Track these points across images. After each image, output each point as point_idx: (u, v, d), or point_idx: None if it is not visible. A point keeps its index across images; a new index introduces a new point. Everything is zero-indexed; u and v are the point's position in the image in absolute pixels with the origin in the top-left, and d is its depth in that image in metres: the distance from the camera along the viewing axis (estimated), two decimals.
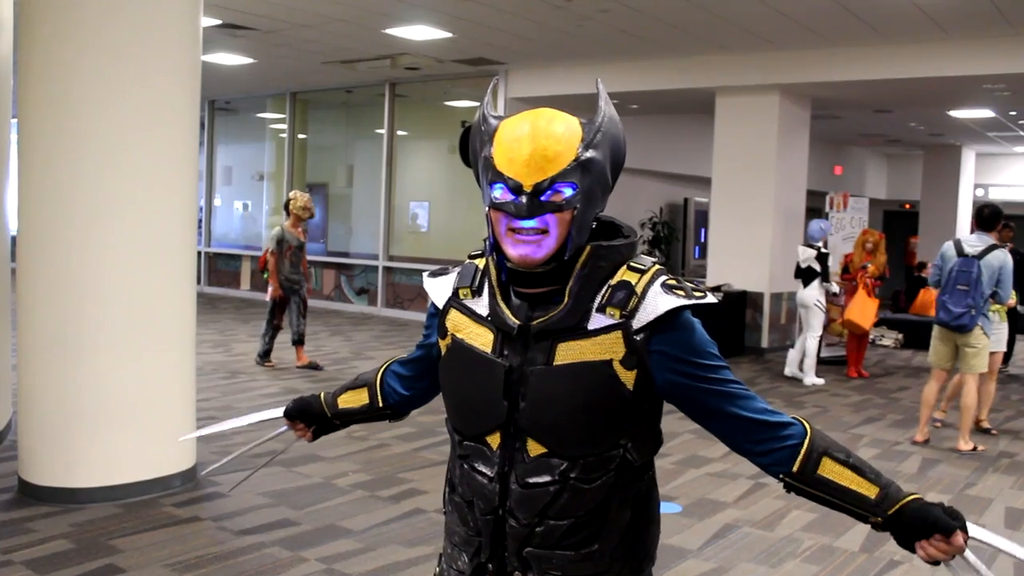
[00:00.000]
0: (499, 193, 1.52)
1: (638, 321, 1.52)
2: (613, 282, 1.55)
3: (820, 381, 9.33)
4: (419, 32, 10.01)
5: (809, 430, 1.56)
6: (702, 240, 15.46)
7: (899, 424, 7.54)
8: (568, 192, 1.50)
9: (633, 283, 1.54)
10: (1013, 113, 13.14)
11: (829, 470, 1.54)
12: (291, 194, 8.87)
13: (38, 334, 4.69)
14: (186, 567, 3.91)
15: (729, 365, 1.59)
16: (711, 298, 1.55)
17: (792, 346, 9.87)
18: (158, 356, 4.83)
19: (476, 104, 13.39)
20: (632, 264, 1.57)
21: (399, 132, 14.04)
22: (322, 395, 2.03)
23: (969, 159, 18.31)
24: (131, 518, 4.47)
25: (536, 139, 1.50)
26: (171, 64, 4.83)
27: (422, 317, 13.20)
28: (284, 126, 15.53)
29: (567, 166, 1.50)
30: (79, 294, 4.62)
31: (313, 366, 8.90)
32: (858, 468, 1.54)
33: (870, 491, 1.53)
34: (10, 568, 3.80)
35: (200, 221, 16.31)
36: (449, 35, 10.12)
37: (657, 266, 1.59)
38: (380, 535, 4.43)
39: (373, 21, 9.61)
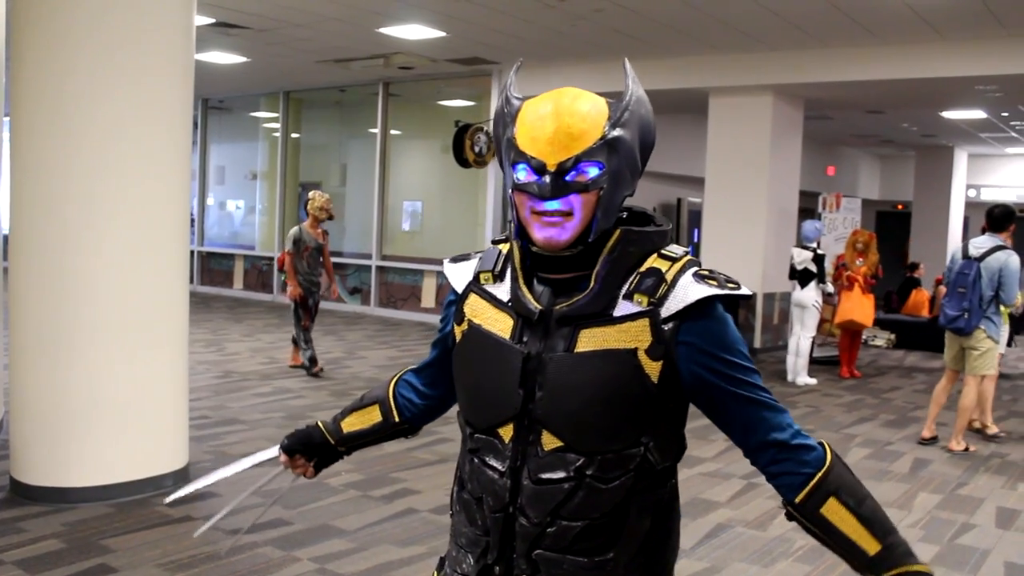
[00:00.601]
0: (523, 175, 1.45)
1: (667, 309, 1.44)
2: (642, 269, 1.47)
3: (812, 381, 9.35)
4: (413, 31, 10.01)
5: (828, 463, 1.47)
6: (695, 240, 15.47)
7: (891, 424, 7.56)
8: (593, 172, 1.43)
9: (663, 271, 1.47)
10: (1005, 114, 13.18)
11: (832, 512, 1.46)
12: (310, 194, 8.67)
13: (30, 333, 4.67)
14: (178, 567, 3.90)
15: (760, 371, 1.50)
16: (746, 290, 1.48)
17: (786, 346, 9.88)
18: (150, 355, 4.82)
19: (470, 104, 13.47)
20: (663, 252, 1.50)
21: (392, 131, 14.03)
22: (320, 423, 1.91)
23: (961, 160, 18.36)
24: (123, 518, 4.46)
25: (560, 117, 1.43)
26: (164, 62, 4.82)
27: (415, 317, 13.28)
28: (277, 125, 15.50)
29: (592, 144, 1.43)
30: (71, 293, 4.61)
31: (305, 367, 8.86)
32: (865, 519, 1.46)
33: (870, 546, 1.45)
34: (1, 568, 3.79)
35: (193, 220, 16.32)
36: (443, 34, 10.12)
37: (689, 256, 1.51)
38: (372, 535, 4.42)
39: (367, 20, 9.60)
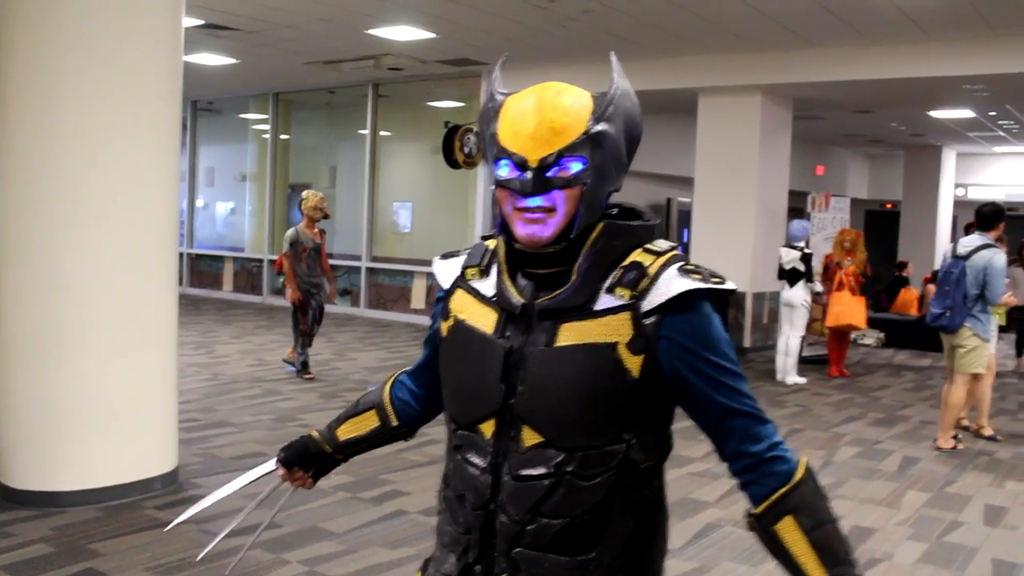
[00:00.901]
0: (505, 171, 1.43)
1: (648, 303, 1.41)
2: (625, 263, 1.45)
3: (802, 380, 9.38)
4: (402, 32, 10.00)
5: (795, 481, 1.44)
6: (685, 240, 15.50)
7: (880, 423, 7.59)
8: (576, 167, 1.40)
9: (646, 264, 1.44)
10: (993, 113, 13.25)
11: (785, 531, 1.43)
12: (303, 194, 8.54)
13: (18, 335, 4.65)
14: (167, 570, 3.89)
15: (746, 376, 1.47)
16: (730, 284, 1.45)
17: (775, 346, 9.90)
18: (139, 358, 4.81)
19: (459, 105, 13.45)
20: (648, 247, 1.47)
21: (382, 133, 14.01)
22: (314, 433, 1.88)
23: (950, 159, 18.45)
24: (112, 521, 4.44)
25: (542, 111, 1.41)
26: (153, 64, 4.81)
27: (405, 318, 13.27)
28: (267, 127, 15.47)
29: (575, 139, 1.40)
30: (60, 295, 4.59)
31: (297, 369, 8.82)
32: (817, 545, 1.42)
33: (815, 574, 1.41)
34: None
35: (182, 222, 16.27)
36: (432, 35, 10.11)
37: (675, 251, 1.47)
38: (362, 537, 4.42)
39: (356, 21, 9.59)
